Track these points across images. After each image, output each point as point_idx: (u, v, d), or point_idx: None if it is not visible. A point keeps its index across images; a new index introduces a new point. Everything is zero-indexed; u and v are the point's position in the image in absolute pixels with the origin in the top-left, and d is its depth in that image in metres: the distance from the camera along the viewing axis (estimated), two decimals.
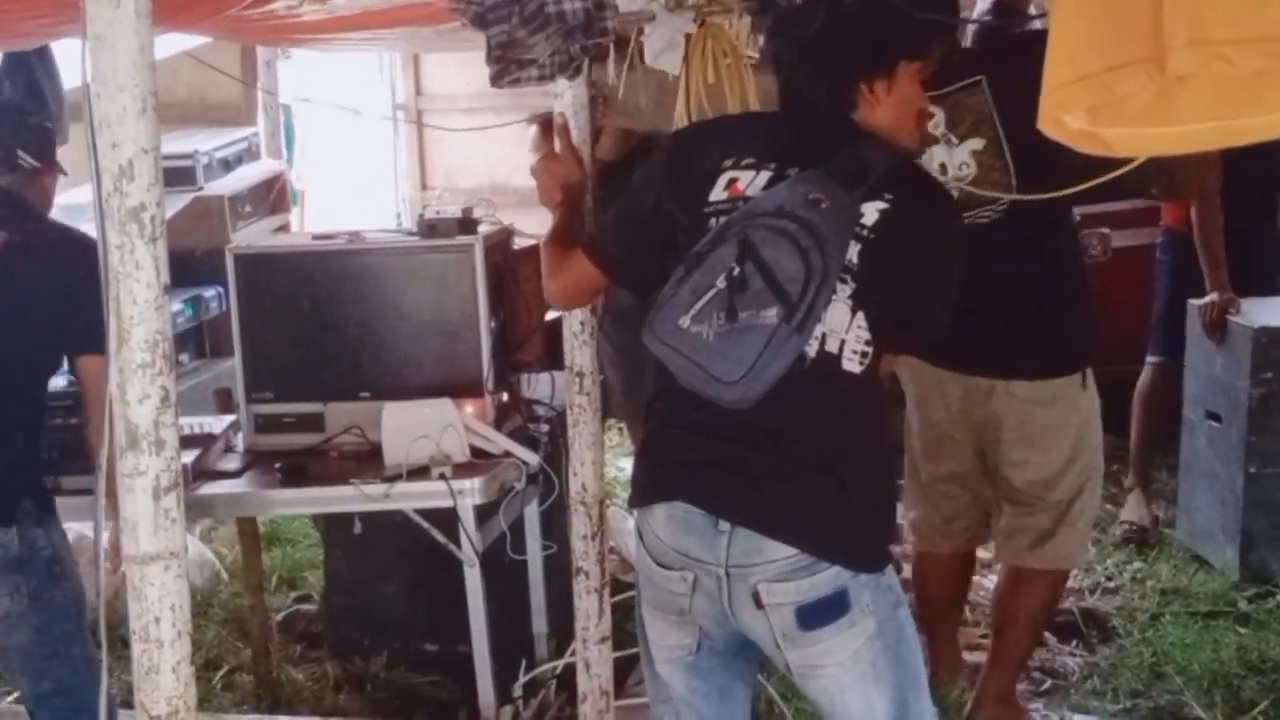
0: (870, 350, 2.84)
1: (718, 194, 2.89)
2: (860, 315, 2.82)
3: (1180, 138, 2.21)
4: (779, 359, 2.69)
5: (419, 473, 4.25)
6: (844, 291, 2.79)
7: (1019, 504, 4.33)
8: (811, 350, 2.78)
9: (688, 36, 3.65)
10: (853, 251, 2.79)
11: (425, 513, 4.36)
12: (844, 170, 2.80)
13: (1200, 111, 2.09)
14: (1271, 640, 5.01)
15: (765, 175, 2.87)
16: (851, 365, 2.82)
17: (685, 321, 2.71)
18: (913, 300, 2.92)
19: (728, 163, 2.91)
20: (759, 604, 2.81)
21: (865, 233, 2.81)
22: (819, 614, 2.81)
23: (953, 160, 4.08)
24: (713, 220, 2.86)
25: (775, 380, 2.70)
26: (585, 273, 3.17)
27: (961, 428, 4.34)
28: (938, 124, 4.06)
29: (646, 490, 2.99)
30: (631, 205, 3.10)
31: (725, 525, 2.82)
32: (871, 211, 2.82)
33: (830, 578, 2.80)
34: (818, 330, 2.77)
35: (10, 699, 4.84)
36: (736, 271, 2.69)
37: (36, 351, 3.76)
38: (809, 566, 2.79)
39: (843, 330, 2.81)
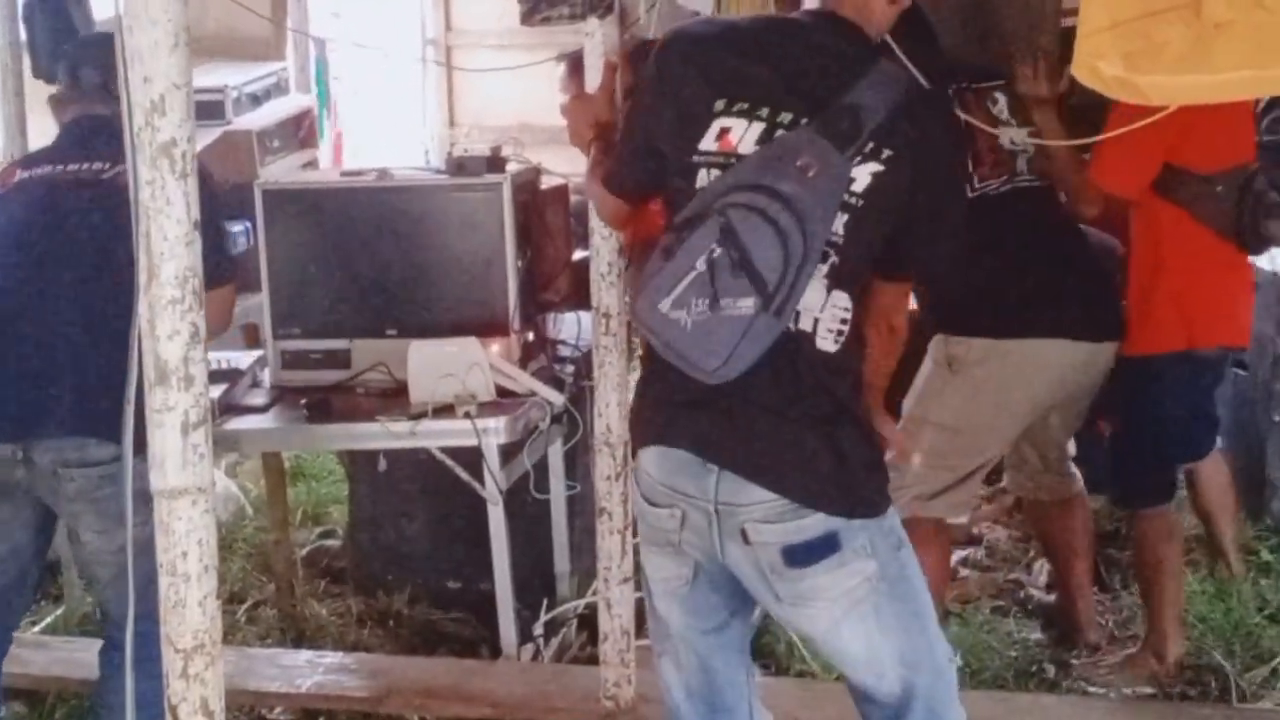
0: (848, 326, 2.81)
1: (709, 143, 2.83)
2: (838, 293, 2.79)
3: (1216, 86, 2.19)
4: (757, 344, 2.68)
5: (444, 411, 4.26)
6: (823, 268, 2.76)
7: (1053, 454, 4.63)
8: (790, 327, 2.75)
9: None
10: (839, 222, 2.76)
11: (450, 451, 4.38)
12: (837, 125, 2.74)
13: (1237, 59, 2.07)
14: None
15: (758, 127, 2.79)
16: (826, 344, 2.80)
17: (665, 306, 2.69)
18: (908, 246, 2.89)
19: (720, 104, 2.82)
20: (746, 540, 2.82)
21: (854, 200, 2.76)
22: (806, 553, 2.81)
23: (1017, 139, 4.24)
24: (701, 172, 2.82)
25: (754, 359, 2.70)
26: (620, 206, 3.17)
27: (1055, 397, 4.41)
28: (1001, 110, 4.27)
29: (640, 433, 3.01)
30: (631, 134, 3.06)
31: (713, 466, 2.83)
32: (864, 175, 2.76)
33: (819, 522, 2.80)
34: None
35: (36, 629, 4.89)
36: (716, 255, 2.66)
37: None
38: (796, 510, 2.80)
39: (817, 309, 2.79)
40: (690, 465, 2.85)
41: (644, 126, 2.98)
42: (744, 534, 2.82)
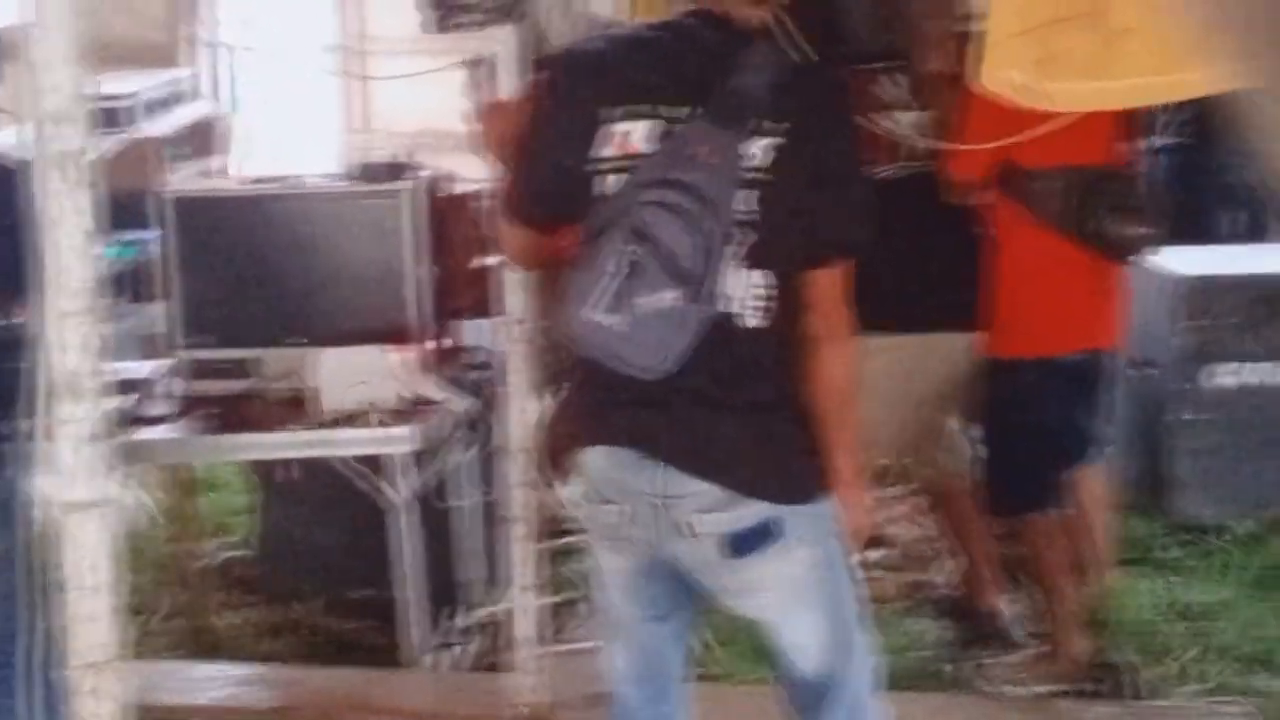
0: (773, 300, 2.83)
1: (609, 149, 2.85)
2: (755, 272, 2.81)
3: (1120, 92, 2.21)
4: (687, 333, 2.71)
5: (353, 419, 4.23)
6: (741, 249, 2.78)
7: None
8: (717, 311, 2.77)
9: None
10: (748, 198, 2.79)
11: (360, 458, 4.35)
12: (726, 110, 2.79)
13: (1140, 65, 2.09)
14: (1196, 588, 5.07)
15: (653, 126, 2.83)
16: (753, 321, 2.83)
17: (588, 313, 2.71)
18: (821, 223, 2.89)
19: (615, 110, 2.85)
20: (691, 532, 2.86)
21: (760, 175, 2.79)
22: (748, 542, 2.86)
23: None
24: (607, 179, 2.84)
25: (688, 349, 2.72)
26: (529, 241, 3.12)
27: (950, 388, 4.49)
28: (901, 92, 4.29)
29: (582, 434, 3.03)
30: (532, 156, 3.03)
31: (656, 460, 2.87)
32: (762, 152, 2.79)
33: (758, 509, 2.85)
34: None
35: None
36: (630, 256, 2.69)
37: None
38: (736, 499, 2.84)
39: (740, 289, 2.81)
40: (634, 462, 2.89)
41: (544, 146, 2.98)
42: (688, 526, 2.86)
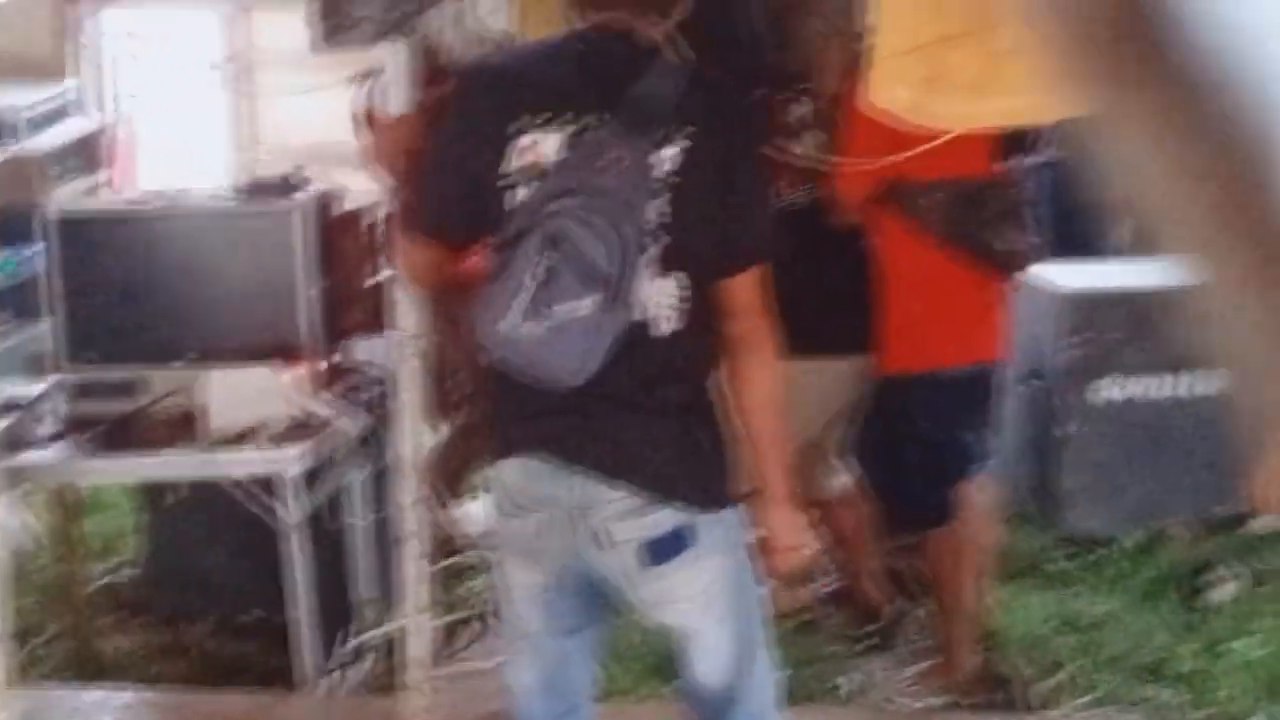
0: (687, 305, 2.85)
1: (518, 161, 2.85)
2: (668, 277, 2.83)
3: (1005, 111, 2.23)
4: (605, 340, 2.73)
5: (241, 439, 4.19)
6: (653, 254, 2.80)
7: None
8: (633, 317, 2.79)
9: None
10: (658, 205, 2.80)
11: (252, 478, 4.30)
12: (634, 117, 2.81)
13: (1026, 84, 2.10)
14: (1085, 600, 5.13)
15: (561, 136, 2.84)
16: (668, 325, 2.85)
17: (506, 325, 2.72)
18: (732, 226, 2.91)
19: (522, 122, 2.86)
20: (607, 542, 2.87)
21: (670, 180, 2.81)
22: (661, 550, 2.88)
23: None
24: (516, 190, 2.84)
25: (605, 356, 2.74)
26: (432, 259, 3.10)
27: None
28: (805, 116, 4.24)
29: (495, 446, 3.03)
30: (439, 171, 3.04)
31: (573, 468, 2.87)
32: (670, 158, 2.82)
33: (671, 515, 2.87)
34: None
35: None
36: (544, 266, 2.70)
37: None
38: (651, 506, 2.86)
39: (653, 294, 2.83)
40: (550, 471, 2.89)
41: (454, 161, 2.98)
42: (605, 534, 2.87)
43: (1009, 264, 4.34)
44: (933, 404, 4.32)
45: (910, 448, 4.39)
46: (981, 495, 4.69)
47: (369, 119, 3.84)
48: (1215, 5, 0.45)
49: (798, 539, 3.10)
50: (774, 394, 2.97)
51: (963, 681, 4.52)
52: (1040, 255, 4.39)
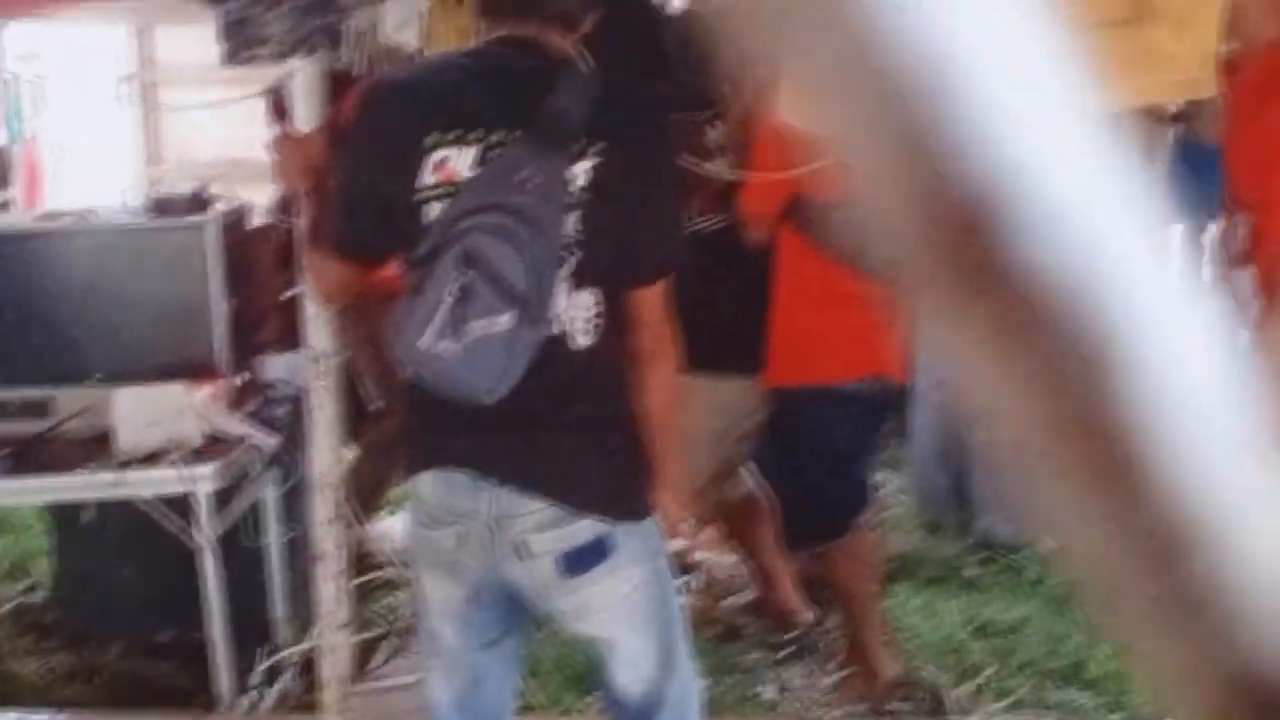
0: (601, 319, 2.87)
1: (430, 178, 2.84)
2: (584, 292, 2.84)
3: None
4: (522, 356, 2.73)
5: (153, 458, 4.15)
6: (568, 269, 2.81)
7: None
8: (549, 332, 2.80)
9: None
10: (573, 220, 2.81)
11: (165, 497, 4.27)
12: (546, 132, 2.80)
13: None
14: (997, 605, 5.17)
15: (474, 151, 2.83)
16: (583, 340, 2.86)
17: (424, 342, 2.71)
18: (643, 238, 2.92)
19: (433, 138, 2.85)
20: (525, 553, 2.88)
21: (581, 195, 2.82)
22: (580, 561, 2.89)
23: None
24: (429, 207, 2.83)
25: (523, 371, 2.74)
26: (345, 275, 3.08)
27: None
28: (717, 140, 4.27)
29: (412, 460, 3.02)
30: (351, 186, 3.00)
31: (491, 481, 2.87)
32: (582, 173, 2.82)
33: (589, 526, 2.88)
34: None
35: None
36: (463, 280, 2.69)
37: None
38: (568, 517, 2.86)
39: (569, 309, 2.84)
40: (467, 484, 2.89)
41: (368, 177, 2.96)
42: (524, 546, 2.87)
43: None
44: (824, 417, 4.33)
45: (804, 460, 4.42)
46: (878, 506, 4.78)
47: (278, 134, 3.82)
48: (1051, 223, 0.46)
49: (673, 530, 3.12)
50: (670, 398, 2.98)
51: (881, 688, 4.55)
52: None
